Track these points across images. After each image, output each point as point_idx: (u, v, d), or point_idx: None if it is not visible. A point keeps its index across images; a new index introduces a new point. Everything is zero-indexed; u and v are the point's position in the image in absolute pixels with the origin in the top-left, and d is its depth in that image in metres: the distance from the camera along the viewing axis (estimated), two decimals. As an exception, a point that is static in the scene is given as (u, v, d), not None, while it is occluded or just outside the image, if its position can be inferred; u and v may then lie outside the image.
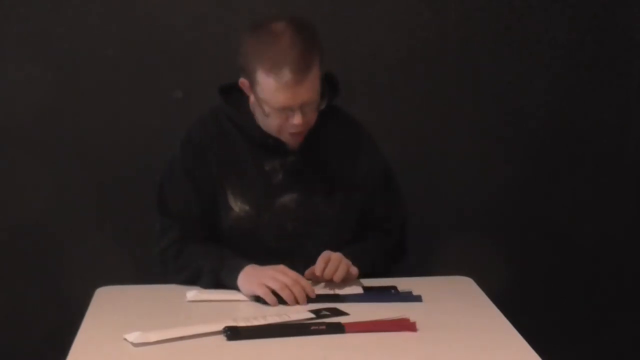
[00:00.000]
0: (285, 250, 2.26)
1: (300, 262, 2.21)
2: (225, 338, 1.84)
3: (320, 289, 2.15)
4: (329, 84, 2.27)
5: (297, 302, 2.05)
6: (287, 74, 2.10)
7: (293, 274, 2.09)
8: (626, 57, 3.21)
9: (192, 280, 2.22)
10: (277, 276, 2.07)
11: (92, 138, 3.08)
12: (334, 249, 2.22)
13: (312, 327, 1.88)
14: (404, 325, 1.89)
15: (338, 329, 1.88)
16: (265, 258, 2.20)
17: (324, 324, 1.90)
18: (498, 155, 3.21)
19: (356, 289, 2.16)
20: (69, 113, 3.08)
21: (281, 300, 2.06)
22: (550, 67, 3.19)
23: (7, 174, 3.09)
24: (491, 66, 3.17)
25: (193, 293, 2.15)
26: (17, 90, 3.05)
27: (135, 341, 1.81)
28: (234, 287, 2.13)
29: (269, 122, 2.22)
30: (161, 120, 3.04)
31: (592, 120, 3.23)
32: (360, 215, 2.35)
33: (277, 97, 2.13)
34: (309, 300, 2.07)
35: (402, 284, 2.19)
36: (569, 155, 3.24)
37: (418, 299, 2.10)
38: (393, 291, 2.16)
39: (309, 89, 2.14)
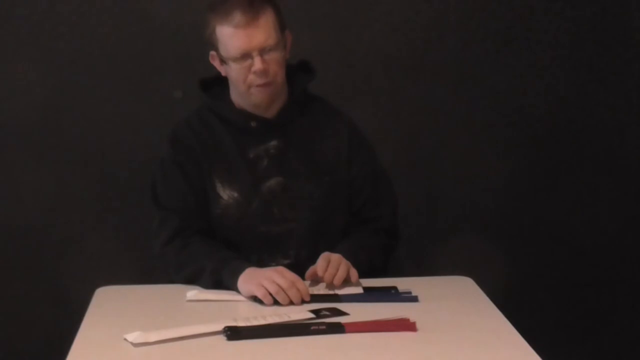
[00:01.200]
0: (274, 236, 2.30)
1: (291, 248, 2.29)
2: (225, 338, 1.84)
3: (320, 289, 2.14)
4: (304, 71, 2.37)
5: (292, 303, 2.06)
6: (237, 16, 2.21)
7: (291, 275, 2.09)
8: (626, 57, 3.21)
9: (193, 279, 2.22)
10: (275, 278, 2.07)
11: (92, 138, 3.08)
12: (323, 234, 2.30)
13: (312, 327, 1.88)
14: (404, 325, 1.88)
15: (338, 329, 1.88)
16: (255, 245, 2.29)
17: (324, 324, 1.90)
18: (498, 155, 3.21)
19: (356, 289, 2.16)
20: (69, 113, 3.08)
21: (277, 301, 2.06)
22: (550, 67, 3.19)
23: (7, 174, 3.09)
24: (491, 66, 3.17)
25: (193, 293, 2.15)
26: (17, 90, 3.05)
27: (135, 341, 1.81)
28: (234, 289, 2.14)
29: (235, 80, 2.27)
30: (161, 120, 3.04)
31: (592, 120, 3.23)
32: (349, 204, 2.38)
33: (234, 42, 2.22)
34: (305, 301, 2.07)
35: (402, 284, 2.19)
36: (569, 155, 3.24)
37: (417, 299, 2.10)
38: (393, 291, 2.16)
39: (264, 32, 2.22)
